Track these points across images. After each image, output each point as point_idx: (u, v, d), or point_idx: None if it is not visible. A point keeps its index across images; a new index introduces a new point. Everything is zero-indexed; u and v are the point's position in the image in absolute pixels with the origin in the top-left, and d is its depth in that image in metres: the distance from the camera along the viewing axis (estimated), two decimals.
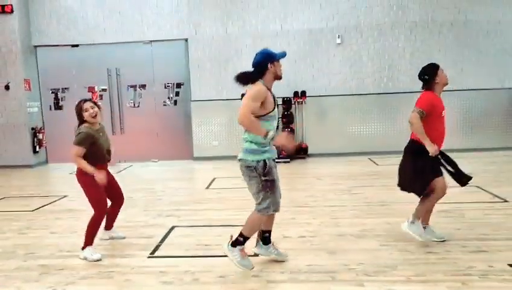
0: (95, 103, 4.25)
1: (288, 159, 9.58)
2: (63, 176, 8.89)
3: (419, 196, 4.25)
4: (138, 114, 10.40)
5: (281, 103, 9.86)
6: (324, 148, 10.05)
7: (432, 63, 4.30)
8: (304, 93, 9.84)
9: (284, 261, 3.84)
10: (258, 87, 3.36)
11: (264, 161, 3.37)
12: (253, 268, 3.62)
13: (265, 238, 3.79)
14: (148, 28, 10.08)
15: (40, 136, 10.12)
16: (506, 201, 5.64)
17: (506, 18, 9.53)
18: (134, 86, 10.34)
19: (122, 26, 10.09)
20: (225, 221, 5.16)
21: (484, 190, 6.19)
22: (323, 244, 4.33)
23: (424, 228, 4.24)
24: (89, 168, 4.04)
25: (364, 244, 4.29)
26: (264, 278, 3.58)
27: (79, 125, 4.17)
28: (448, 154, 4.37)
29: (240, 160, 3.48)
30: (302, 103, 9.92)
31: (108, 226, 4.66)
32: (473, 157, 8.77)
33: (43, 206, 6.30)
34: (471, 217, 5.02)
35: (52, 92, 10.43)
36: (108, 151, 4.37)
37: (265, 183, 3.37)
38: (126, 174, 8.91)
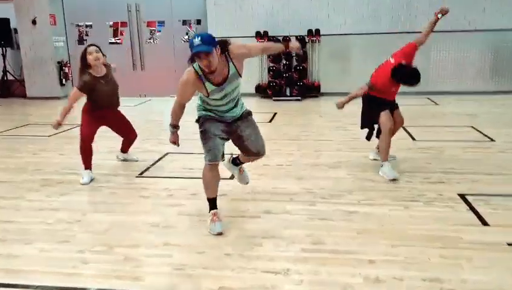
0: (100, 49, 4.56)
1: (300, 97, 9.81)
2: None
3: (363, 129, 4.78)
4: (157, 50, 10.76)
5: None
6: (337, 88, 10.08)
7: None
8: (318, 31, 9.83)
9: (247, 184, 4.10)
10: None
11: (199, 116, 3.45)
12: (219, 233, 3.27)
13: (235, 159, 3.98)
14: None
15: (66, 69, 10.72)
16: (492, 140, 5.75)
17: None
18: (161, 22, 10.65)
19: None
20: None
21: (477, 130, 6.28)
22: (295, 172, 4.69)
23: (382, 165, 4.52)
24: (62, 112, 4.50)
25: (333, 173, 4.62)
26: (229, 196, 4.02)
27: (82, 69, 4.53)
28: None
29: None
30: (316, 42, 9.94)
31: (124, 150, 5.24)
32: (486, 99, 8.70)
33: (58, 132, 6.90)
34: (449, 154, 5.20)
35: (77, 27, 10.90)
36: (116, 97, 4.77)
37: (200, 133, 3.44)
38: (143, 108, 9.44)
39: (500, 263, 2.78)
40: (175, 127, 3.49)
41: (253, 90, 10.16)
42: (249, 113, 3.57)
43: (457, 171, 4.55)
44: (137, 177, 4.69)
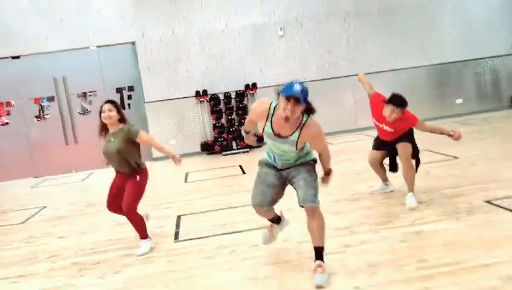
0: (116, 106, 4.43)
1: (248, 149, 10.07)
2: (25, 192, 8.62)
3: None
4: (91, 121, 10.28)
5: (234, 96, 10.33)
6: None
7: None
8: (254, 85, 10.36)
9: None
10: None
11: (260, 160, 3.73)
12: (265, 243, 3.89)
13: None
14: (93, 34, 10.01)
15: None
16: (457, 158, 6.58)
17: (424, 1, 10.76)
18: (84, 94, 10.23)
19: (65, 34, 9.91)
20: (225, 205, 5.52)
21: (435, 152, 7.13)
22: (326, 209, 4.81)
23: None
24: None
25: (362, 205, 4.92)
26: (293, 240, 4.07)
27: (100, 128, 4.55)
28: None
29: None
30: (253, 95, 10.43)
31: None
32: None
33: (29, 218, 6.20)
34: (436, 173, 5.86)
35: None
36: (124, 163, 4.38)
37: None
38: (92, 181, 8.85)
39: None
40: (247, 132, 3.71)
41: (199, 149, 10.19)
42: (307, 162, 3.49)
43: (460, 185, 5.16)
44: (176, 242, 4.46)
